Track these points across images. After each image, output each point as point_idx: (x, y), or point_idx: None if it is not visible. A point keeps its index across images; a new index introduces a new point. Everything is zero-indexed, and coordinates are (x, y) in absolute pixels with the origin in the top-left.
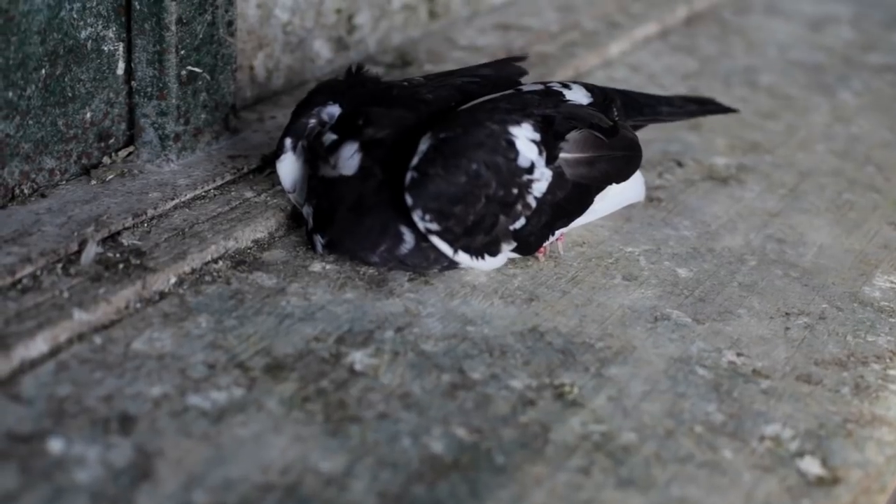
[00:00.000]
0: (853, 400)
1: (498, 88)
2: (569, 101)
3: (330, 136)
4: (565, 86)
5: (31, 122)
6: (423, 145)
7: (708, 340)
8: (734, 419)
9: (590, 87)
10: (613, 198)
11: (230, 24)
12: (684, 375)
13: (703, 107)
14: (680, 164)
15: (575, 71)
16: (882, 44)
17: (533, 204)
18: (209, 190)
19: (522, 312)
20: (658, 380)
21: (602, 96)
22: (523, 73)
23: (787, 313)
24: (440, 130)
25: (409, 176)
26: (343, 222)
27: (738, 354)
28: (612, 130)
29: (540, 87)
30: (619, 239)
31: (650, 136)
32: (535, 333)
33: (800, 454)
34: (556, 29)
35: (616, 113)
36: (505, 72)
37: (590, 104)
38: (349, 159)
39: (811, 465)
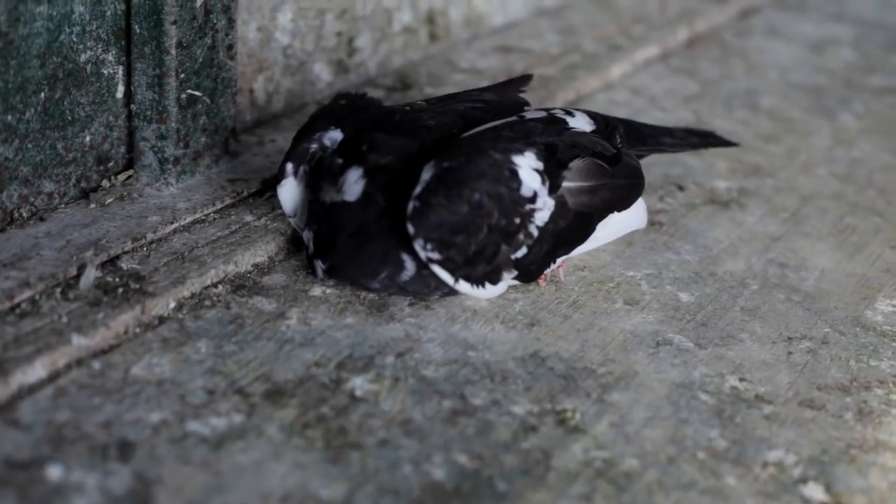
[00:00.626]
0: (856, 425)
1: (500, 115)
2: (572, 128)
3: (337, 160)
4: (568, 113)
5: (30, 145)
6: (426, 174)
7: (710, 365)
8: (737, 445)
9: (593, 115)
10: (615, 225)
11: (230, 47)
12: (686, 401)
13: (705, 139)
14: (681, 188)
15: (576, 93)
16: (883, 66)
17: (535, 233)
18: (209, 214)
19: (524, 337)
20: (660, 406)
21: (605, 124)
22: (525, 102)
23: (789, 338)
24: (443, 159)
25: (411, 205)
26: (344, 248)
27: (741, 379)
28: (615, 158)
29: (543, 114)
30: (620, 263)
31: (651, 160)
32: (537, 358)
33: (803, 480)
34: (557, 51)
35: (619, 140)
36: (507, 97)
37: (593, 132)
38: (354, 184)
39: (815, 492)
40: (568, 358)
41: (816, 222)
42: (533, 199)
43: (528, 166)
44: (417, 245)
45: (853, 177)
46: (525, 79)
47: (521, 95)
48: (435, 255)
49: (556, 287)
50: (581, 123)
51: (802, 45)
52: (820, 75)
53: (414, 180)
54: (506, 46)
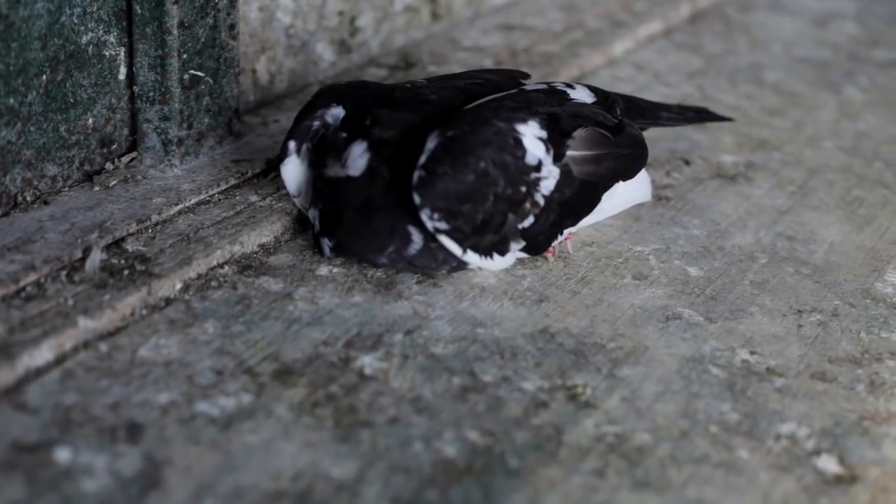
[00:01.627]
0: (868, 397)
1: (501, 90)
2: (573, 99)
3: (341, 134)
4: (569, 85)
5: (32, 128)
6: (431, 144)
7: (721, 339)
8: (749, 418)
9: (593, 88)
10: (620, 197)
11: (232, 27)
12: (698, 375)
13: (700, 114)
14: (688, 163)
15: (579, 70)
16: (887, 39)
17: (541, 202)
18: (214, 194)
19: (532, 314)
20: (671, 380)
21: (605, 97)
22: (525, 76)
23: (799, 311)
24: (447, 129)
25: (416, 175)
26: (350, 224)
27: (752, 353)
28: (617, 128)
29: (543, 86)
30: (628, 238)
31: (657, 135)
32: (546, 335)
33: (816, 453)
34: (560, 28)
35: (619, 112)
36: (507, 75)
37: (594, 103)
38: (358, 158)
39: (828, 464)
40: (577, 333)
41: (824, 195)
42: (538, 167)
43: (532, 135)
44: (424, 215)
45: (860, 149)
46: (523, 74)
47: (522, 72)
48: (442, 225)
49: (564, 263)
50: (582, 95)
51: (805, 19)
52: (824, 49)
53: (418, 152)
54: (508, 24)
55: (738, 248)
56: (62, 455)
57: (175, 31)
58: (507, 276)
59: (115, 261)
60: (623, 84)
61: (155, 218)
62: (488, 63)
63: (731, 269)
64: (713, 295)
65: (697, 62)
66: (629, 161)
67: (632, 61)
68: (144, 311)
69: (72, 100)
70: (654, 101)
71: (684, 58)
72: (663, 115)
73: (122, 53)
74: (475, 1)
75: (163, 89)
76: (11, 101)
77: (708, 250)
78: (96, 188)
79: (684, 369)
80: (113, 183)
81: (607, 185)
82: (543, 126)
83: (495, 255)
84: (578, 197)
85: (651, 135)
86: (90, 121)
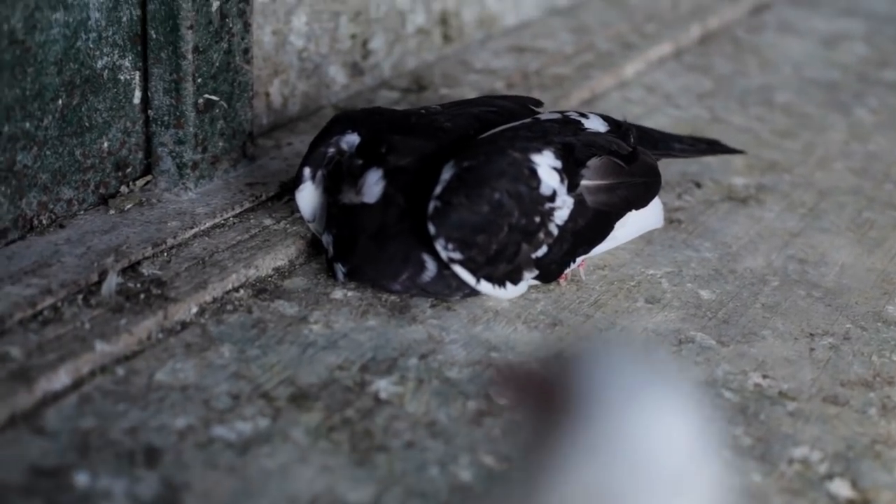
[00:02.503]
0: (880, 420)
1: (515, 118)
2: (587, 129)
3: (357, 161)
4: (582, 115)
5: (48, 152)
6: (447, 174)
7: (733, 363)
8: (762, 442)
9: (606, 117)
10: (633, 224)
11: (246, 51)
12: (710, 399)
13: (712, 146)
14: (699, 185)
15: (591, 92)
16: None
17: (555, 232)
18: (228, 218)
19: (546, 337)
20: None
21: (618, 126)
22: (539, 103)
23: (811, 334)
24: (463, 159)
25: (432, 205)
26: (365, 250)
27: (764, 376)
28: (631, 156)
29: (558, 115)
30: (640, 262)
31: (668, 159)
32: (560, 359)
33: (829, 476)
34: (571, 51)
35: (633, 140)
36: (520, 102)
37: (607, 132)
38: (373, 185)
39: (841, 488)
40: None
41: (835, 217)
42: (552, 197)
43: (546, 165)
44: (439, 245)
45: (870, 171)
46: (536, 101)
47: (535, 99)
48: (456, 255)
49: (577, 287)
50: (596, 124)
51: (815, 40)
52: (834, 70)
53: (433, 180)
54: (519, 46)
55: (749, 272)
56: (81, 479)
57: (190, 56)
58: (520, 299)
59: (130, 284)
60: (634, 106)
61: (170, 241)
62: (500, 85)
63: (743, 292)
64: (725, 318)
65: (707, 84)
66: (642, 189)
67: (642, 83)
68: (160, 335)
69: (87, 124)
70: (667, 133)
71: (694, 79)
72: (675, 146)
73: (137, 78)
74: (486, 23)
75: (177, 113)
76: (28, 125)
77: (720, 273)
78: (111, 211)
79: (697, 394)
80: (128, 206)
81: (620, 214)
82: (558, 156)
83: (508, 284)
84: (592, 226)
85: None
86: (105, 144)
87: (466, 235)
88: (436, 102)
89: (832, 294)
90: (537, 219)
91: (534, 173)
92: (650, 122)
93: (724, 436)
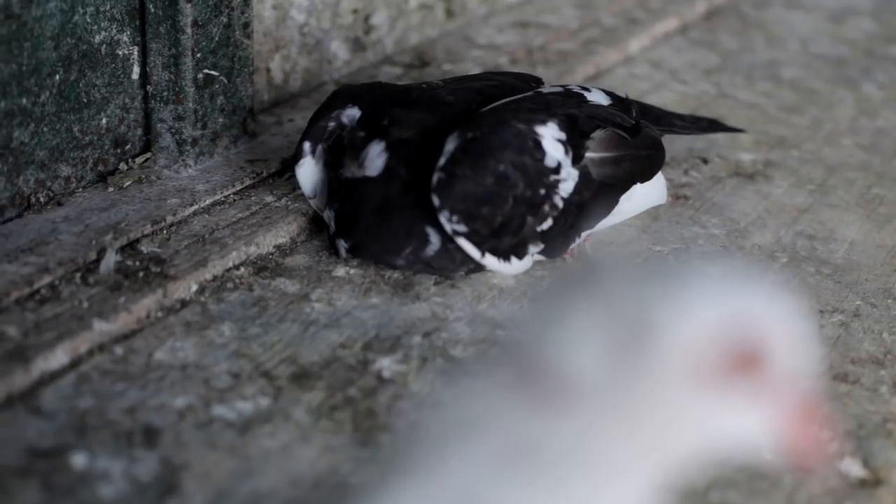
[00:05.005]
0: (892, 398)
1: (517, 92)
2: (590, 101)
3: (359, 134)
4: (585, 88)
5: (45, 128)
6: (451, 145)
7: None
8: None
9: (608, 92)
10: (638, 199)
11: (246, 25)
12: None
13: (713, 125)
14: (706, 161)
15: (595, 68)
16: None
17: (560, 204)
18: (229, 195)
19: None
20: None
21: (620, 100)
22: (539, 81)
23: (820, 311)
24: (467, 130)
25: (436, 176)
26: (367, 225)
27: None
28: (634, 129)
29: (559, 88)
30: (647, 238)
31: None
32: None
33: (840, 456)
34: (576, 26)
35: (635, 114)
36: (521, 78)
37: (610, 105)
38: (376, 158)
39: (852, 467)
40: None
41: (844, 193)
42: (557, 169)
43: (551, 136)
44: (443, 217)
45: (879, 147)
46: (536, 79)
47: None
48: (461, 228)
49: (582, 264)
50: (598, 98)
51: (822, 15)
52: (841, 46)
53: (437, 153)
54: (523, 22)
55: (757, 248)
56: (78, 460)
57: (189, 30)
58: (526, 277)
59: (129, 262)
60: (640, 82)
61: (170, 219)
62: (504, 61)
63: (752, 268)
64: None
65: (714, 59)
66: (647, 162)
67: (648, 59)
68: (160, 314)
69: (85, 100)
70: (668, 110)
71: (701, 55)
72: (677, 122)
73: (136, 53)
74: None
75: (177, 89)
76: (24, 101)
77: (728, 250)
78: (110, 189)
79: None
80: (127, 184)
81: (625, 187)
82: (562, 127)
83: (513, 259)
84: (597, 199)
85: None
86: (104, 121)
87: (471, 207)
88: (438, 78)
89: (841, 271)
90: (542, 191)
91: (538, 145)
92: (656, 98)
93: None
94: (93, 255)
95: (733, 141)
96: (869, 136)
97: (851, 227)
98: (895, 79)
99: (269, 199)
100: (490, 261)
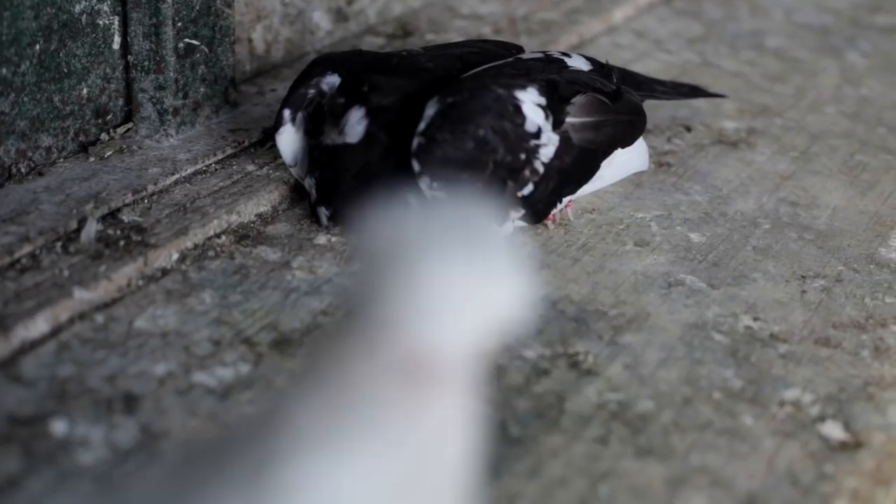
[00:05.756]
0: (873, 363)
1: (497, 58)
2: (570, 67)
3: (338, 100)
4: (565, 54)
5: (26, 98)
6: (430, 110)
7: (723, 305)
8: (753, 385)
9: (589, 58)
10: (619, 165)
11: None
12: (700, 341)
13: (694, 91)
14: (689, 129)
15: (579, 38)
16: (889, 4)
17: (540, 169)
18: (210, 164)
19: (533, 281)
20: (674, 346)
21: (601, 66)
22: (520, 49)
23: (802, 276)
24: (447, 95)
25: (416, 141)
26: (348, 191)
27: (755, 319)
28: (615, 94)
29: (540, 55)
30: (629, 205)
31: (658, 101)
32: (547, 302)
33: (821, 419)
34: None
35: (616, 80)
36: (502, 45)
37: (590, 71)
38: (356, 125)
39: (833, 430)
40: (579, 301)
41: (827, 160)
42: (537, 134)
43: (531, 101)
44: (423, 183)
45: (862, 115)
46: (517, 46)
47: (516, 44)
48: (441, 194)
49: (564, 230)
50: (579, 63)
51: None
52: (826, 15)
53: (417, 119)
54: None
55: (740, 214)
56: (58, 427)
57: None
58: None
59: (110, 231)
60: (624, 51)
61: (151, 188)
62: (487, 30)
63: (734, 234)
64: (715, 261)
65: (698, 29)
66: (628, 128)
67: (632, 28)
68: (141, 282)
69: (66, 70)
70: (649, 77)
71: (685, 24)
72: (658, 88)
73: (116, 22)
74: None
75: (158, 58)
76: (4, 71)
77: (710, 216)
78: (91, 159)
79: (687, 336)
80: (108, 153)
81: (606, 152)
82: (542, 93)
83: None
84: (578, 164)
85: (652, 101)
86: (84, 91)
87: (451, 172)
88: (420, 47)
89: (824, 236)
90: (522, 156)
91: (518, 110)
92: (640, 67)
93: (714, 378)
94: (74, 225)
95: (717, 109)
96: (853, 104)
97: (834, 193)
98: (879, 48)
99: (250, 167)
100: None
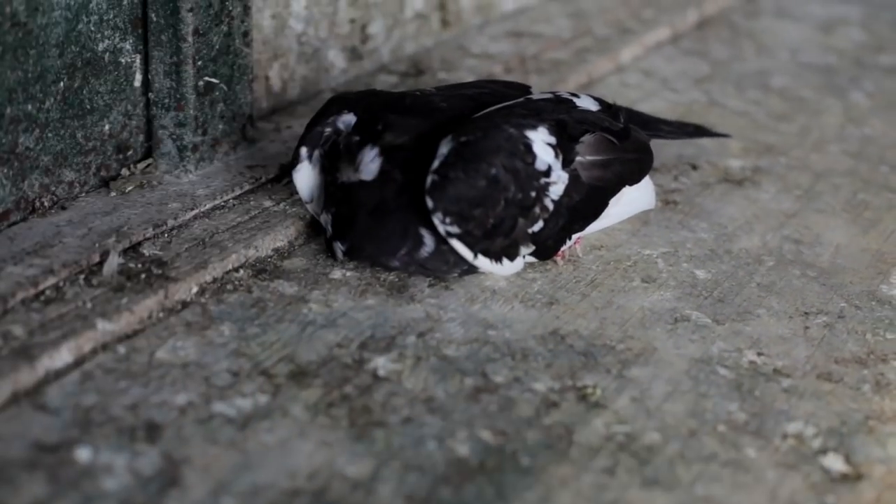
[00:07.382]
0: (874, 397)
1: (508, 99)
2: (579, 107)
3: (354, 138)
4: (574, 95)
5: (50, 134)
6: (444, 149)
7: (728, 340)
8: (756, 418)
9: (597, 98)
10: (627, 203)
11: (246, 34)
12: (706, 375)
13: (699, 130)
14: (695, 167)
15: (588, 77)
16: (892, 45)
17: (550, 207)
18: (228, 200)
19: (543, 316)
20: (680, 380)
21: (608, 106)
22: (529, 89)
23: (806, 313)
24: (460, 134)
25: (429, 179)
26: (363, 227)
27: (759, 354)
28: (623, 133)
29: (550, 95)
30: (636, 242)
31: (664, 140)
32: (556, 336)
33: (823, 451)
34: (569, 35)
35: (623, 119)
36: (512, 86)
37: (598, 111)
38: (370, 163)
39: (834, 462)
40: (587, 335)
41: (830, 199)
42: (547, 172)
43: (541, 141)
44: (436, 219)
45: (865, 154)
46: (526, 87)
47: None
48: (454, 229)
49: (573, 266)
50: (587, 104)
51: (811, 25)
52: (830, 55)
53: (430, 157)
54: (517, 31)
55: (745, 252)
56: (82, 454)
57: (190, 39)
58: (517, 279)
59: (132, 265)
60: (631, 90)
61: (171, 223)
62: (498, 69)
63: (739, 271)
64: (721, 297)
65: (704, 68)
66: (635, 166)
67: (640, 68)
68: (161, 314)
69: (88, 106)
70: (655, 116)
71: (692, 64)
72: (663, 127)
73: (138, 61)
74: (484, 8)
75: (178, 96)
76: (30, 107)
77: (715, 253)
78: (113, 194)
79: (693, 370)
80: (129, 188)
81: (615, 190)
82: (552, 132)
83: (505, 260)
84: (587, 201)
85: (658, 140)
86: (106, 127)
87: (464, 209)
88: (432, 86)
89: (827, 273)
90: (533, 193)
91: (529, 149)
92: (647, 106)
93: (719, 411)
94: (96, 258)
95: (722, 148)
96: (856, 143)
97: (837, 231)
98: (882, 87)
99: (267, 203)
100: (482, 262)
